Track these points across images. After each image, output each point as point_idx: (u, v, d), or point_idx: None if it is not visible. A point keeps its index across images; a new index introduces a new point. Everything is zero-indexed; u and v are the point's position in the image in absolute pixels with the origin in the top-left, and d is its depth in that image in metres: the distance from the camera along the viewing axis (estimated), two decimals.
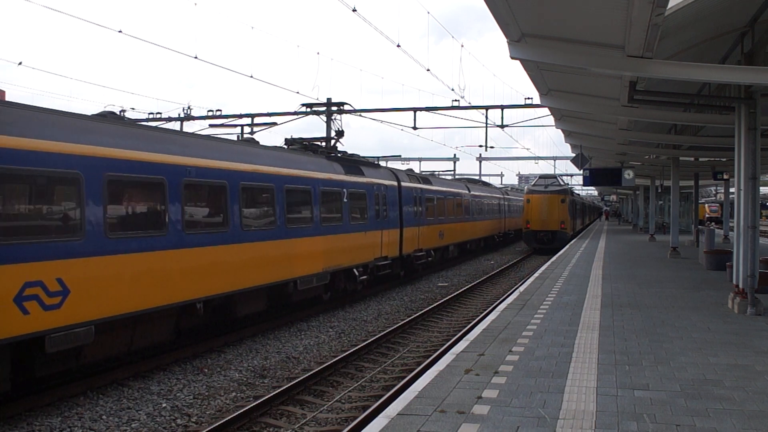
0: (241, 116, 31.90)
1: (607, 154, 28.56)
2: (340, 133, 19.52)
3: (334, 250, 16.66)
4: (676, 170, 27.10)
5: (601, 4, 8.56)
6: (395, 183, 21.88)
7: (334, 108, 31.36)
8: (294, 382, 10.17)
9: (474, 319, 15.65)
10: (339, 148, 20.24)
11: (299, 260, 14.88)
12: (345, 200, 17.40)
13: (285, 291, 14.64)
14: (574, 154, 29.61)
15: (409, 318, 15.86)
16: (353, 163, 19.24)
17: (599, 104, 16.11)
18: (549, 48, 10.70)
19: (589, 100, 16.25)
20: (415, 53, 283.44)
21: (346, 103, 19.43)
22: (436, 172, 43.93)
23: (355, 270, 18.01)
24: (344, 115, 32.73)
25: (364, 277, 18.57)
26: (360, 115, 32.31)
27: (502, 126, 30.76)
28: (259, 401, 9.22)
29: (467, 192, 32.61)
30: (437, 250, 26.81)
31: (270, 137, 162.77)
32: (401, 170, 25.32)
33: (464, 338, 10.51)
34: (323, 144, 19.30)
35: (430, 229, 25.38)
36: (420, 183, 24.94)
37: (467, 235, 32.14)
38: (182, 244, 11.19)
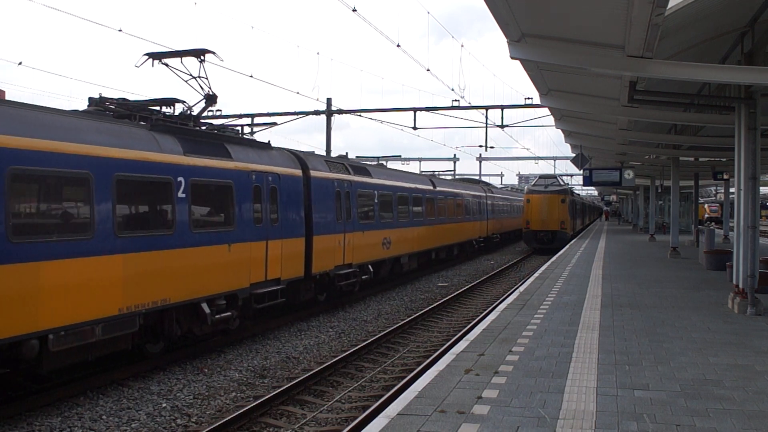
0: (241, 116, 31.95)
1: (607, 154, 28.57)
2: (210, 98, 13.25)
3: (154, 276, 10.47)
4: (676, 170, 27.12)
5: (601, 3, 8.57)
6: (297, 172, 15.22)
7: (335, 108, 31.40)
8: (294, 382, 10.17)
9: (474, 319, 15.65)
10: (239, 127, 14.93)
11: (56, 300, 8.75)
12: (181, 195, 11.12)
13: (22, 355, 8.52)
14: (574, 154, 29.64)
15: (409, 318, 15.86)
16: (209, 139, 12.63)
17: (599, 104, 16.11)
18: (549, 48, 10.70)
19: (589, 100, 16.25)
20: (415, 53, 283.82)
21: (210, 51, 13.04)
22: (436, 173, 43.84)
23: (205, 305, 11.65)
24: (344, 115, 32.81)
25: (228, 313, 12.22)
26: (360, 115, 32.37)
27: (502, 126, 30.80)
28: (259, 401, 9.22)
29: (430, 188, 26.33)
30: (381, 263, 20.65)
31: (270, 137, 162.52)
32: (314, 154, 18.35)
33: (464, 338, 10.51)
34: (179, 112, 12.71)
35: (368, 237, 19.15)
36: (348, 173, 18.25)
37: (430, 242, 25.71)
38: None
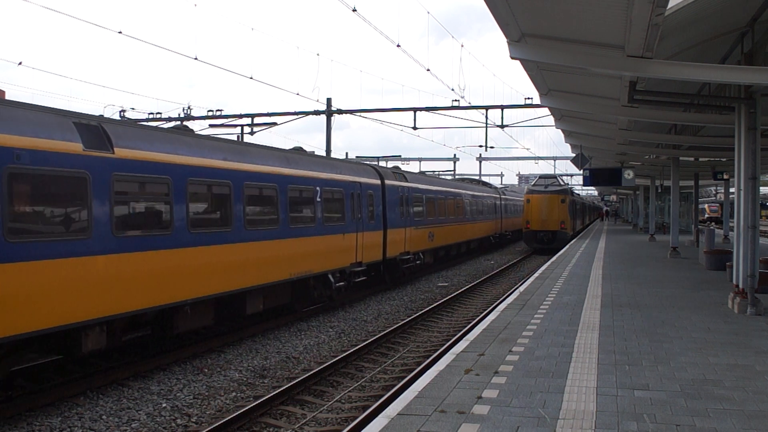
0: (241, 116, 31.97)
1: (607, 154, 28.57)
2: None
3: None
4: (676, 170, 27.11)
5: (601, 3, 8.57)
6: None
7: (334, 108, 31.42)
8: (294, 382, 10.17)
9: (474, 319, 15.65)
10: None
11: None
12: None
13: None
14: (574, 154, 29.64)
15: (409, 318, 15.86)
16: None
17: (599, 104, 16.11)
18: (549, 48, 10.71)
19: (589, 100, 16.25)
20: (415, 53, 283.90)
21: None
22: (436, 172, 43.66)
23: None
24: (344, 115, 32.83)
25: None
26: (360, 115, 32.37)
27: (502, 126, 30.81)
28: (259, 401, 9.22)
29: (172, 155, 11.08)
30: None
31: (270, 137, 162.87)
32: None
33: (464, 338, 10.51)
34: None
35: None
36: None
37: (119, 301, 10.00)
38: None
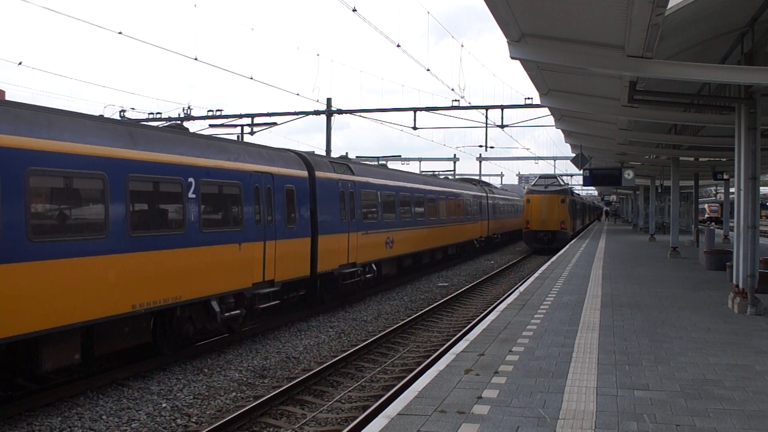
0: (241, 116, 31.98)
1: (607, 154, 28.57)
2: None
3: None
4: (676, 170, 27.11)
5: (601, 3, 8.57)
6: None
7: (334, 108, 31.42)
8: (294, 382, 10.17)
9: (474, 319, 15.66)
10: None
11: None
12: None
13: None
14: (574, 154, 29.64)
15: (409, 318, 15.86)
16: None
17: (599, 104, 16.12)
18: (549, 48, 10.71)
19: (589, 100, 16.26)
20: (415, 53, 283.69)
21: None
22: (436, 172, 43.56)
23: None
24: (344, 115, 32.84)
25: None
26: (360, 115, 32.38)
27: (502, 126, 30.81)
28: (259, 401, 9.22)
29: None
30: None
31: (270, 137, 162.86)
32: None
33: (464, 338, 10.51)
34: None
35: None
36: None
37: None
38: None
